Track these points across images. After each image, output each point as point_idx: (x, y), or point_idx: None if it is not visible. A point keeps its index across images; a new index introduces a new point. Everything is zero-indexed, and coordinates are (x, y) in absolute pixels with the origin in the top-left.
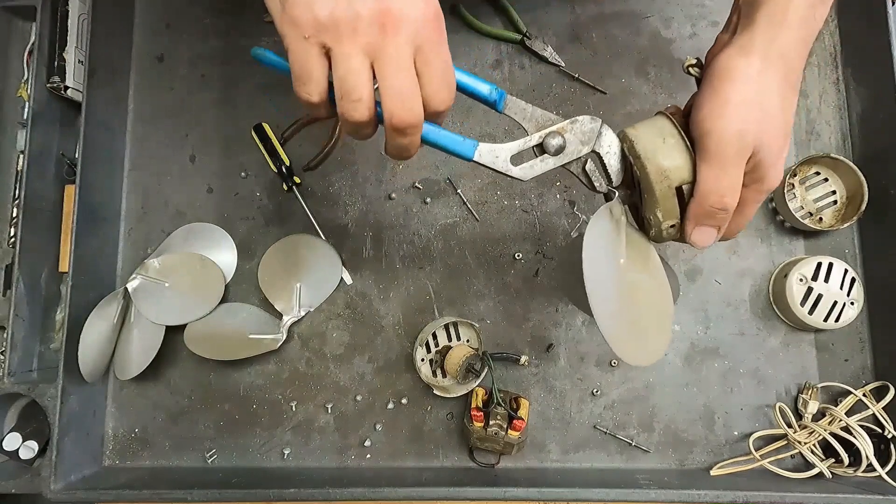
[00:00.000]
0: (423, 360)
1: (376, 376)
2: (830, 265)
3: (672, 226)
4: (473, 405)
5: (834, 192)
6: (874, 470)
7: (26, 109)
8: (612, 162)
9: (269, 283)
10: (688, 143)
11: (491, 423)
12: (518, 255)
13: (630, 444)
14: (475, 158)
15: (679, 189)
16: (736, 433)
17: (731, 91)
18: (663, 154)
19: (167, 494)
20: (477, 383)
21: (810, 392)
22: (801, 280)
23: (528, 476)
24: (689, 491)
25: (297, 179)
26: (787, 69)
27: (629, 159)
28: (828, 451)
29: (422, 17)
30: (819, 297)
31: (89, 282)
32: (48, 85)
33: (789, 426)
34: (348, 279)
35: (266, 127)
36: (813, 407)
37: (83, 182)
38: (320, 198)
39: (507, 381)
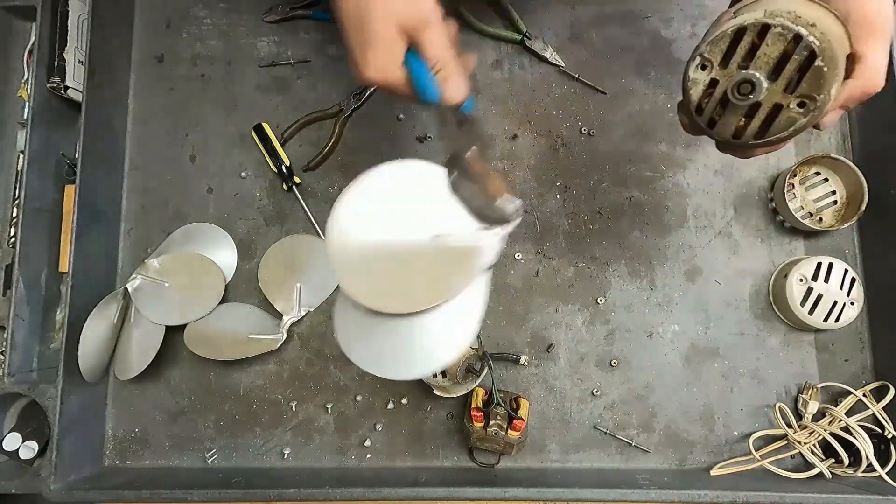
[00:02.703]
0: None
1: (376, 376)
2: (830, 265)
3: (825, 107)
4: (473, 405)
5: (834, 192)
6: (874, 470)
7: (26, 109)
8: None
9: (270, 283)
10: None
11: (491, 423)
12: (518, 255)
13: (630, 444)
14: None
15: (845, 65)
16: (736, 433)
17: None
18: (831, 20)
19: (167, 494)
20: (477, 383)
21: (810, 392)
22: (801, 280)
23: (528, 476)
24: (689, 491)
25: (297, 179)
26: None
27: (794, 30)
28: (828, 451)
29: None
30: (819, 297)
31: (89, 282)
32: (48, 85)
33: (789, 426)
34: None
35: (266, 127)
36: (813, 407)
37: (83, 182)
38: (320, 198)
39: (507, 381)
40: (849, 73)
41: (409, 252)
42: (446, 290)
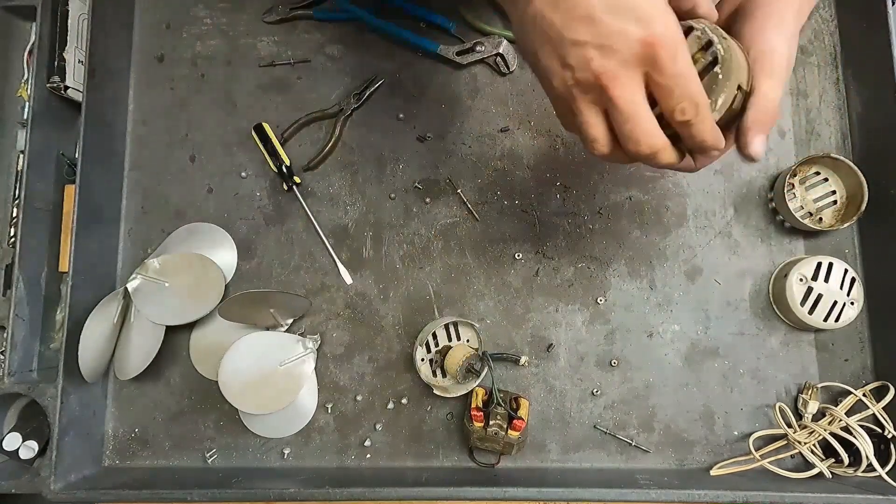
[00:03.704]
0: (423, 360)
1: (376, 376)
2: (830, 265)
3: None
4: (473, 405)
5: (834, 192)
6: (874, 470)
7: (26, 109)
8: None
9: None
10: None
11: (491, 423)
12: (518, 255)
13: (630, 444)
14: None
15: (738, 89)
16: (736, 433)
17: (785, 14)
18: (740, 52)
19: (167, 494)
20: (477, 383)
21: (810, 392)
22: (801, 280)
23: (528, 476)
24: (689, 491)
25: (297, 179)
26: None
27: (708, 37)
28: (828, 451)
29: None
30: (819, 296)
31: (89, 282)
32: (48, 85)
33: (789, 426)
34: (348, 279)
35: (266, 127)
36: (813, 407)
37: (83, 182)
38: (320, 198)
39: (507, 381)
40: (743, 108)
41: (265, 376)
42: (290, 395)
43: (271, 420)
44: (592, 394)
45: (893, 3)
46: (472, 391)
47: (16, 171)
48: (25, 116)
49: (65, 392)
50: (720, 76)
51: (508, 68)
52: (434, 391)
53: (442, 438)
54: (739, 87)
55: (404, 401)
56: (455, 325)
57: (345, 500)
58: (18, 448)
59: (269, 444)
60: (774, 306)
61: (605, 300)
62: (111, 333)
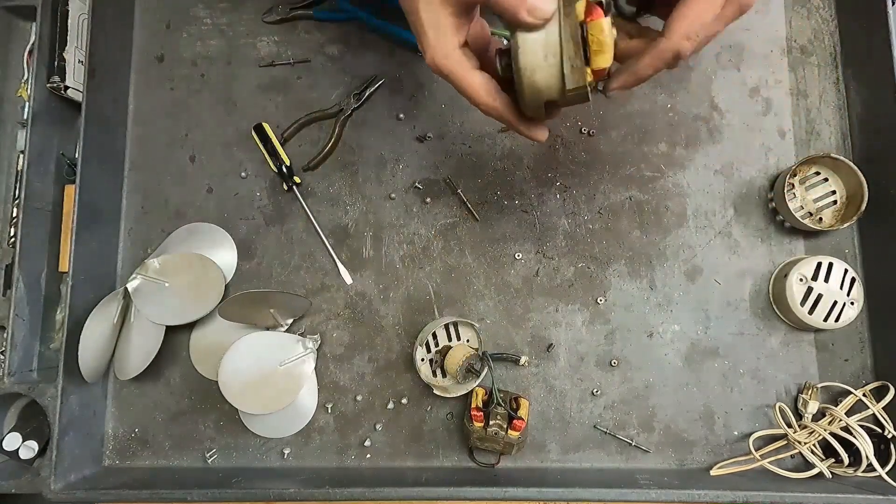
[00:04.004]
0: (423, 360)
1: (376, 376)
2: (830, 265)
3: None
4: (473, 405)
5: (834, 192)
6: (874, 470)
7: (26, 109)
8: None
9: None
10: (565, 64)
11: (491, 423)
12: (518, 255)
13: (630, 444)
14: None
15: (547, 102)
16: (736, 433)
17: None
18: (541, 73)
19: (167, 494)
20: (477, 383)
21: (810, 392)
22: (801, 280)
23: (528, 476)
24: (689, 491)
25: (297, 179)
26: None
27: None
28: (828, 451)
29: None
30: (819, 297)
31: (89, 282)
32: (48, 85)
33: (789, 426)
34: (348, 279)
35: (266, 127)
36: (813, 407)
37: (83, 182)
38: (320, 198)
39: (507, 381)
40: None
41: (265, 376)
42: (290, 395)
43: (271, 420)
44: (592, 394)
45: (893, 3)
46: (472, 391)
47: (16, 171)
48: (25, 116)
49: (65, 392)
50: (518, 91)
51: None
52: (434, 391)
53: (442, 438)
54: (543, 88)
55: (404, 401)
56: (455, 325)
57: (345, 500)
58: (18, 448)
59: (269, 444)
60: (774, 306)
61: (605, 300)
62: (111, 333)
